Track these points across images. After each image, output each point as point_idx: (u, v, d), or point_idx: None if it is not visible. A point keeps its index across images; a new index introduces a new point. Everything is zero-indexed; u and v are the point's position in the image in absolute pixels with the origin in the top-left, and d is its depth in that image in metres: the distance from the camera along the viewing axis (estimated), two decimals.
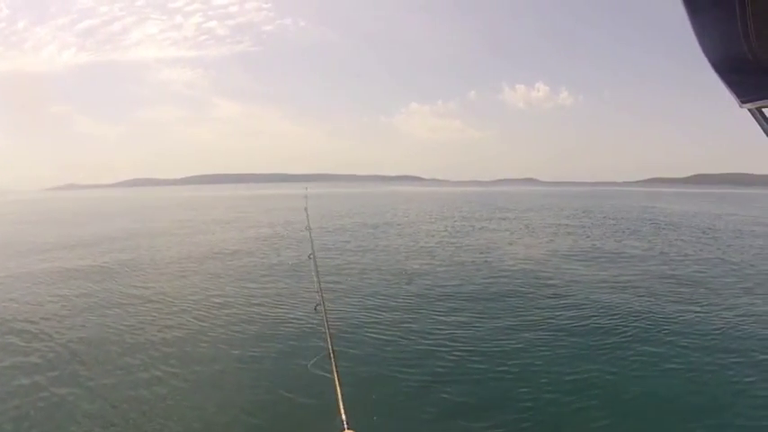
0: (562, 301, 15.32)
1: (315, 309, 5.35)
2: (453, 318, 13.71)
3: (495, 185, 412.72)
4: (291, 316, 13.79)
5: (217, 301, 15.71)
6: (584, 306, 14.80)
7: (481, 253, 25.11)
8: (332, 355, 4.18)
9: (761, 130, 1.52)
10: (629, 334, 12.29)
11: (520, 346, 11.48)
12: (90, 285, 18.31)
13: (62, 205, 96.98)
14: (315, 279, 6.07)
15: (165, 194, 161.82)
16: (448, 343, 11.67)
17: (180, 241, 31.33)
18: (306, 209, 10.95)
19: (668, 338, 11.91)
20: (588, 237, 32.65)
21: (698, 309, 14.56)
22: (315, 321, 11.70)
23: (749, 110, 1.48)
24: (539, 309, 14.57)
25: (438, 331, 12.51)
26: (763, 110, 1.46)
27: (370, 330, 12.48)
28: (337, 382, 3.71)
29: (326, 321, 4.79)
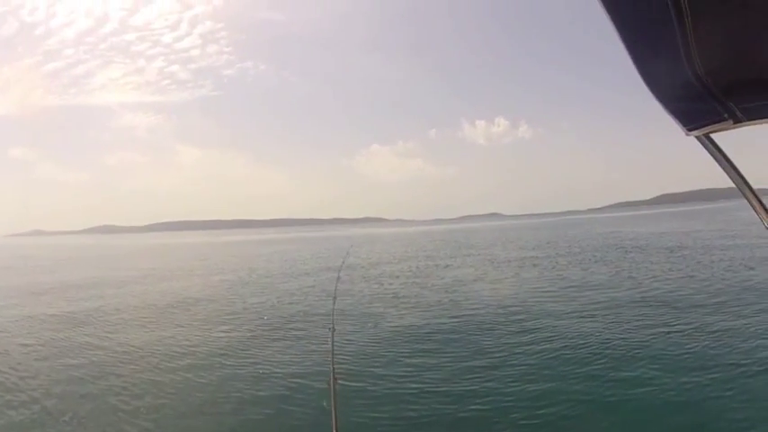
0: (530, 336, 15.19)
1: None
2: (420, 359, 13.41)
3: (459, 222, 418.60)
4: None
5: (178, 350, 15.81)
6: (554, 338, 14.70)
7: (447, 292, 24.90)
8: None
9: (710, 157, 1.58)
10: (601, 363, 12.21)
11: (490, 384, 11.22)
12: (60, 334, 18.65)
13: (26, 252, 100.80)
14: (330, 328, 6.04)
15: (129, 242, 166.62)
16: (412, 385, 11.38)
17: (145, 290, 31.68)
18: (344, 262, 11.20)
19: (640, 364, 11.84)
20: (554, 267, 32.87)
21: (668, 330, 14.65)
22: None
23: (696, 137, 1.52)
24: (507, 345, 14.39)
25: (406, 374, 12.19)
26: (711, 135, 1.49)
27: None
28: None
29: None
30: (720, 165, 1.60)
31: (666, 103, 1.42)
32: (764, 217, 1.65)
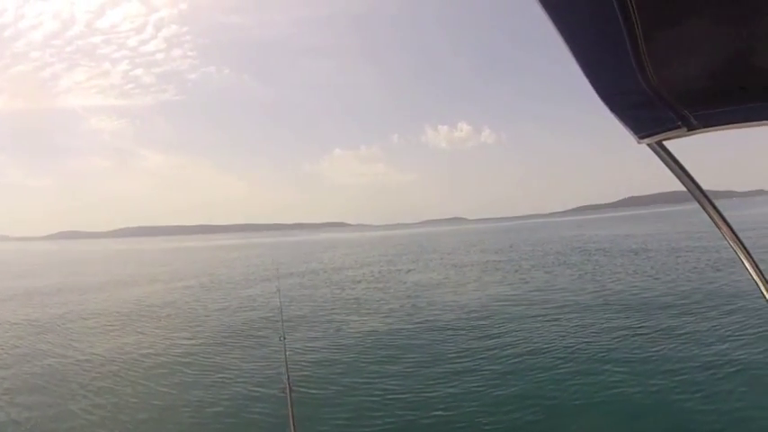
0: (493, 340, 15.09)
1: None
2: (380, 365, 13.28)
3: (421, 227, 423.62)
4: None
5: (139, 357, 15.94)
6: (517, 343, 14.63)
7: (408, 297, 24.86)
8: None
9: (662, 164, 1.61)
10: (564, 367, 12.13)
11: (451, 390, 11.12)
12: (23, 341, 18.84)
13: None
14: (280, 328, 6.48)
15: (93, 248, 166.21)
16: (373, 391, 11.33)
17: (109, 296, 32.00)
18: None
19: (605, 368, 11.84)
20: (517, 271, 33.10)
21: (632, 333, 14.71)
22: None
23: (648, 144, 1.54)
24: (470, 350, 14.22)
25: (366, 381, 12.08)
26: (664, 142, 1.53)
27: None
28: None
29: None
30: (673, 171, 1.62)
31: (618, 111, 1.43)
32: (719, 221, 1.66)
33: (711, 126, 1.38)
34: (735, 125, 1.38)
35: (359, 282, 32.52)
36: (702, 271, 25.69)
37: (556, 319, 17.21)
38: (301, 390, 10.72)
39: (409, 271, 38.11)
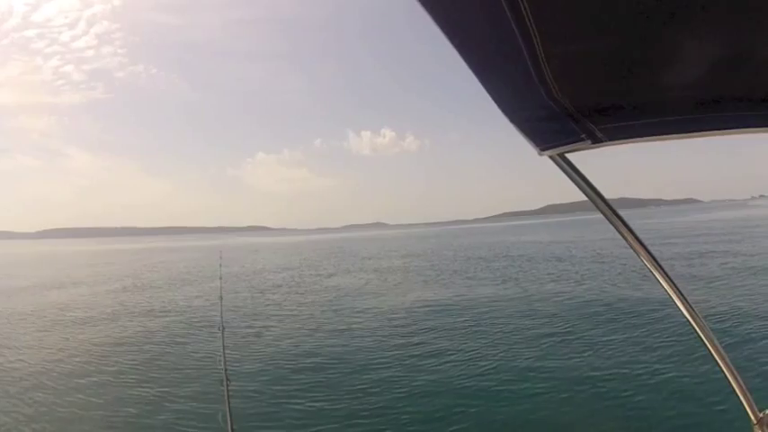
0: (411, 351, 14.82)
1: None
2: (297, 377, 12.95)
3: (343, 231, 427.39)
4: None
5: (67, 359, 16.33)
6: (437, 347, 14.64)
7: (329, 301, 25.05)
8: None
9: (564, 176, 1.62)
10: (483, 376, 12.02)
11: (370, 389, 11.37)
12: None
13: None
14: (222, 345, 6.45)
15: (20, 250, 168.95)
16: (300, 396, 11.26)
17: (36, 300, 31.78)
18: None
19: (524, 376, 11.78)
20: (439, 276, 33.37)
21: (554, 342, 14.78)
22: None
23: (550, 156, 1.54)
24: (389, 354, 14.21)
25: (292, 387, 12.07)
26: (566, 155, 1.54)
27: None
28: None
29: None
30: (575, 183, 1.62)
31: (519, 123, 1.42)
32: (625, 232, 1.70)
33: (618, 140, 1.41)
34: (641, 139, 1.42)
35: (280, 286, 32.65)
36: (626, 278, 26.41)
37: (477, 325, 17.37)
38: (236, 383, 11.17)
39: (330, 276, 38.20)
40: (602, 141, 1.40)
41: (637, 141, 1.44)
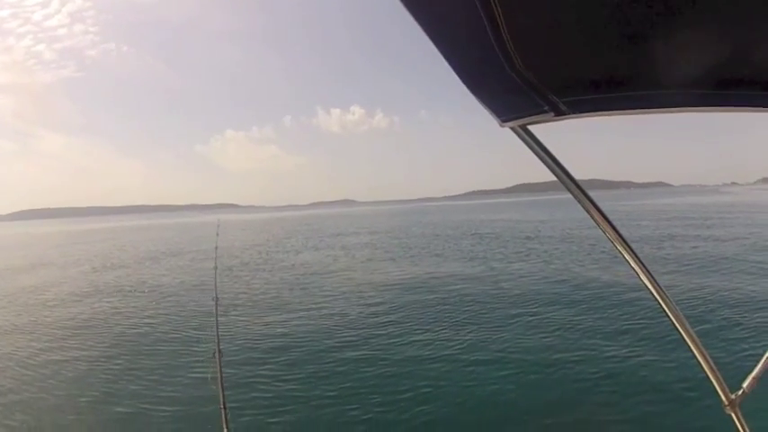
0: (377, 330, 14.78)
1: None
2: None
3: (311, 209, 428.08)
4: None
5: (55, 333, 16.95)
6: (403, 327, 14.63)
7: (296, 278, 25.19)
8: None
9: (526, 148, 1.62)
10: (448, 360, 11.92)
11: (340, 369, 11.26)
12: None
13: None
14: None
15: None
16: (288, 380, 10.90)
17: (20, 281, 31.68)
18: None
19: (492, 366, 11.66)
20: (407, 250, 33.54)
21: (522, 326, 14.71)
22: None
23: (512, 128, 1.55)
24: (352, 340, 13.98)
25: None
26: (529, 127, 1.55)
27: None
28: None
29: None
30: (538, 156, 1.62)
31: (480, 94, 1.43)
32: (591, 209, 1.69)
33: (581, 113, 1.40)
34: (605, 112, 1.40)
35: (246, 264, 32.75)
36: (595, 259, 26.58)
37: (444, 303, 17.42)
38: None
39: (298, 253, 38.37)
40: (564, 114, 1.40)
41: (600, 115, 1.42)
